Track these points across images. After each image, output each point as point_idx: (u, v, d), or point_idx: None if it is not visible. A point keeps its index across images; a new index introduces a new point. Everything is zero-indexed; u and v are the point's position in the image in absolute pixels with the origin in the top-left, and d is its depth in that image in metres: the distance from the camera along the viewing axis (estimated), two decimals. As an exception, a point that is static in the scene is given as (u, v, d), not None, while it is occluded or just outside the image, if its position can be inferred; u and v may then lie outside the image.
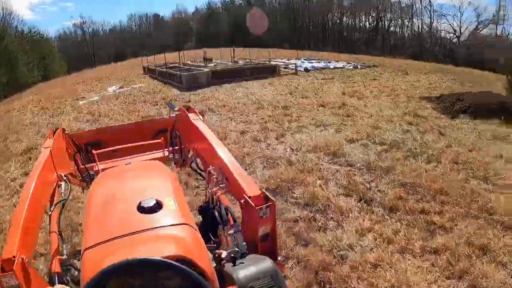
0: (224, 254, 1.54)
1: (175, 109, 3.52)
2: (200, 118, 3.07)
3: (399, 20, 43.52)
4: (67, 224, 3.92)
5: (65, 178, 2.57)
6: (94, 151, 3.00)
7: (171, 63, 19.73)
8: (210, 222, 2.10)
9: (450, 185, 4.60)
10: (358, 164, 5.47)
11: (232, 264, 1.47)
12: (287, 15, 51.66)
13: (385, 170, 5.17)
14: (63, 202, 2.46)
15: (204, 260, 1.38)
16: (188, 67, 16.92)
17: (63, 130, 3.19)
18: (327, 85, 13.05)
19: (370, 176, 5.08)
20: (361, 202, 4.37)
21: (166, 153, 3.23)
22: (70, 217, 4.17)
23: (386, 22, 44.81)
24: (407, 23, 42.61)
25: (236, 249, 1.57)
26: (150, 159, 2.86)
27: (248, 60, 20.67)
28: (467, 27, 35.99)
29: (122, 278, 1.11)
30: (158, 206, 1.55)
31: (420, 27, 40.27)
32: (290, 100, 10.45)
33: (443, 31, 38.09)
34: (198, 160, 2.93)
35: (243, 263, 1.49)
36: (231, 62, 19.49)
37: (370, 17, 46.26)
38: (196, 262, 1.27)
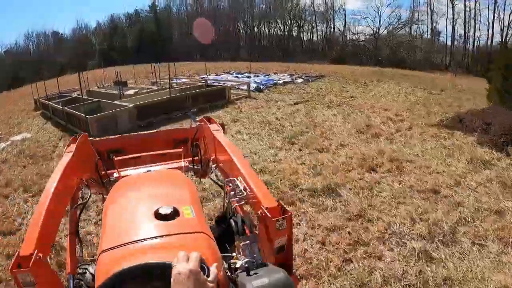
0: (238, 264, 1.49)
1: (196, 119, 3.54)
2: (220, 130, 2.94)
3: (313, 25, 42.45)
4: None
5: (85, 182, 2.63)
6: (115, 158, 3.06)
7: (70, 92, 14.60)
8: (226, 232, 2.09)
9: None
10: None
11: (246, 274, 1.37)
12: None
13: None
14: (83, 205, 2.51)
15: (217, 270, 1.29)
16: (96, 99, 11.29)
17: (86, 136, 3.10)
18: (317, 115, 9.42)
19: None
20: None
21: (186, 163, 3.17)
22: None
23: (300, 28, 43.41)
24: (323, 29, 41.79)
25: (251, 259, 1.53)
26: (170, 168, 2.90)
27: (176, 80, 16.14)
28: (385, 28, 35.97)
29: (136, 281, 1.09)
30: (175, 214, 1.55)
31: (342, 31, 39.56)
32: (299, 164, 5.83)
33: (361, 34, 37.75)
34: (218, 171, 2.83)
35: (257, 273, 1.37)
36: (156, 86, 14.41)
37: (283, 24, 44.51)
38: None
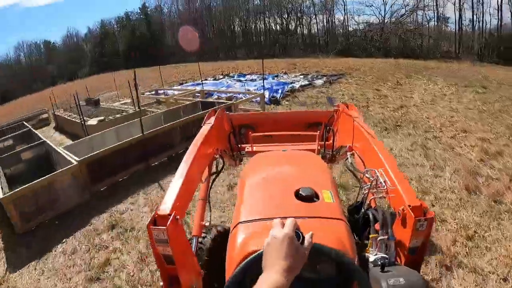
0: (372, 258, 1.51)
1: (334, 104, 3.47)
2: (360, 117, 2.75)
3: (313, 17, 39.31)
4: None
5: (220, 153, 2.71)
6: (250, 133, 3.14)
7: (36, 115, 11.66)
8: (359, 222, 1.96)
9: None
10: None
11: (380, 270, 1.40)
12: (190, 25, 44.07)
13: None
14: (216, 174, 2.58)
15: (352, 260, 1.30)
16: (42, 139, 6.53)
17: (224, 110, 3.23)
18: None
19: None
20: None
21: (318, 147, 3.08)
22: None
23: (298, 21, 40.24)
24: (324, 20, 38.64)
25: (385, 255, 1.52)
26: (301, 150, 2.77)
27: (165, 92, 13.00)
28: (391, 16, 32.78)
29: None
30: (315, 196, 1.57)
31: (344, 22, 36.43)
32: None
33: (365, 23, 34.62)
34: (353, 159, 2.60)
35: (390, 271, 1.38)
36: (134, 105, 9.78)
37: (281, 18, 41.31)
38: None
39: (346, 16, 36.63)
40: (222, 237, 1.92)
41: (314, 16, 38.97)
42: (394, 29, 31.59)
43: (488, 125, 6.81)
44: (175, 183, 1.78)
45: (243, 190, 1.78)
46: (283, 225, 1.01)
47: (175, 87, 14.36)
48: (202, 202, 2.37)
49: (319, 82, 12.34)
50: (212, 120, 2.79)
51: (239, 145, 3.20)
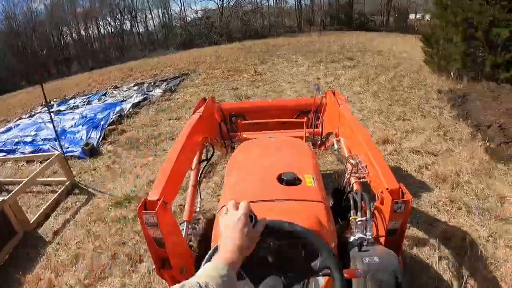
0: (351, 238, 1.60)
1: (321, 92, 3.41)
2: (347, 105, 2.82)
3: (148, 13, 35.67)
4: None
5: (210, 141, 2.79)
6: (240, 121, 3.26)
7: None
8: (341, 205, 2.04)
9: None
10: None
11: (357, 249, 1.47)
12: (12, 43, 34.93)
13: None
14: (206, 162, 2.70)
15: (331, 239, 1.39)
16: None
17: (213, 99, 3.22)
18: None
19: None
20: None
21: (307, 134, 3.15)
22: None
23: (133, 19, 36.12)
24: (160, 14, 35.37)
25: (363, 236, 1.59)
26: (291, 137, 2.79)
27: None
28: (227, 2, 31.69)
29: (265, 236, 1.08)
30: (297, 181, 1.63)
31: (181, 14, 33.79)
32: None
33: (199, 11, 32.86)
34: (339, 145, 2.74)
35: (368, 251, 1.46)
36: None
37: (114, 19, 36.40)
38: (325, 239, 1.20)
39: (183, 7, 34.62)
40: (212, 223, 1.73)
41: (149, 11, 35.60)
42: (234, 12, 30.69)
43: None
44: (164, 170, 1.84)
45: (229, 175, 1.86)
46: (237, 207, 1.06)
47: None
48: (193, 189, 2.39)
49: (157, 92, 9.71)
50: (201, 109, 2.77)
51: (230, 134, 3.26)
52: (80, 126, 7.43)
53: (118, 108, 8.46)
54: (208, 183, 4.39)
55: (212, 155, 2.72)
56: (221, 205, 1.53)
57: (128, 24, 36.42)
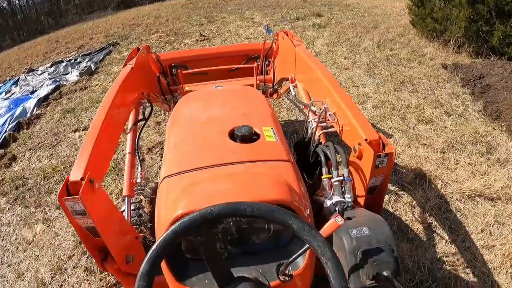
0: (327, 203, 1.29)
1: (271, 33, 2.93)
2: (302, 44, 2.42)
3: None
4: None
5: (147, 97, 2.35)
6: (180, 72, 2.83)
7: None
8: (307, 161, 1.70)
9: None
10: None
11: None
12: None
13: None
14: (143, 122, 2.20)
15: (306, 209, 1.10)
16: None
17: (148, 48, 2.82)
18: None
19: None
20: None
21: (258, 81, 2.85)
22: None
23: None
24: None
25: (343, 199, 1.30)
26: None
27: None
28: None
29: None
30: (254, 136, 1.32)
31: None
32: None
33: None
34: (297, 91, 2.39)
35: (352, 218, 1.16)
36: None
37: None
38: (296, 212, 0.98)
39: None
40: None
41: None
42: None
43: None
44: (87, 141, 1.44)
45: (170, 137, 1.49)
46: None
47: None
48: (131, 156, 1.99)
49: (73, 76, 7.40)
50: (133, 61, 2.33)
51: (170, 87, 2.88)
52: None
53: (20, 109, 6.23)
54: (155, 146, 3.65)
55: (150, 113, 2.25)
56: (165, 174, 1.19)
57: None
